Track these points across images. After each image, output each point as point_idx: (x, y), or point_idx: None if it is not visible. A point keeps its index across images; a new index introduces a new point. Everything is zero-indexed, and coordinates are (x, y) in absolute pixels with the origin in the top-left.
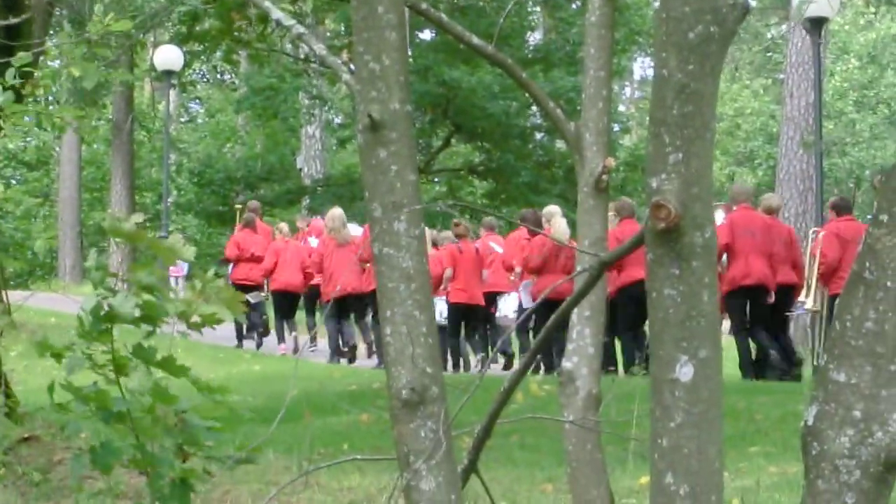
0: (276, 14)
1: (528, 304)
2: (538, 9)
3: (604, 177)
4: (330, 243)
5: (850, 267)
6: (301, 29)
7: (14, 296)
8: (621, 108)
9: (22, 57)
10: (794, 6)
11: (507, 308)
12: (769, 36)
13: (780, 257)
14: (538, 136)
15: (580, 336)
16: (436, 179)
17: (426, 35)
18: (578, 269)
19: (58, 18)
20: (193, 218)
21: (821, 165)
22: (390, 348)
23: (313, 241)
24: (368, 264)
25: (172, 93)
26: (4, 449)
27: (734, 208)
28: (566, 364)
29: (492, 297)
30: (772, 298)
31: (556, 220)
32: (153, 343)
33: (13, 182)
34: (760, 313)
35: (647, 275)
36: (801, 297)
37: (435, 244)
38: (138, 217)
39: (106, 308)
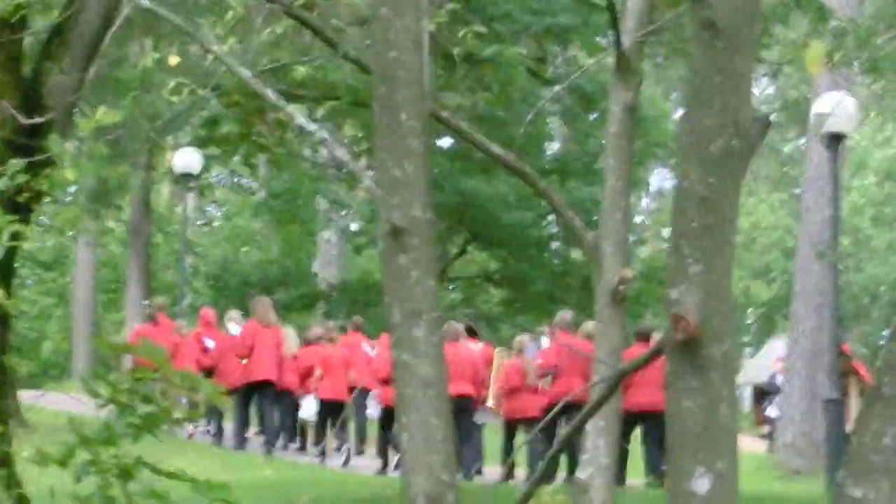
0: (300, 119)
1: (374, 412)
2: (556, 119)
3: (621, 287)
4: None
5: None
6: (324, 134)
7: (27, 395)
8: (638, 218)
9: (13, 164)
10: (812, 121)
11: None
12: (786, 150)
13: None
14: (554, 245)
15: (594, 446)
16: (451, 287)
17: (443, 142)
18: (595, 379)
19: (79, 118)
20: None
21: (836, 281)
22: (406, 456)
23: (209, 342)
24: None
25: (190, 196)
26: None
27: (557, 333)
28: (580, 474)
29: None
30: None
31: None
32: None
33: (28, 282)
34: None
35: (665, 386)
36: None
37: (309, 342)
38: (125, 333)
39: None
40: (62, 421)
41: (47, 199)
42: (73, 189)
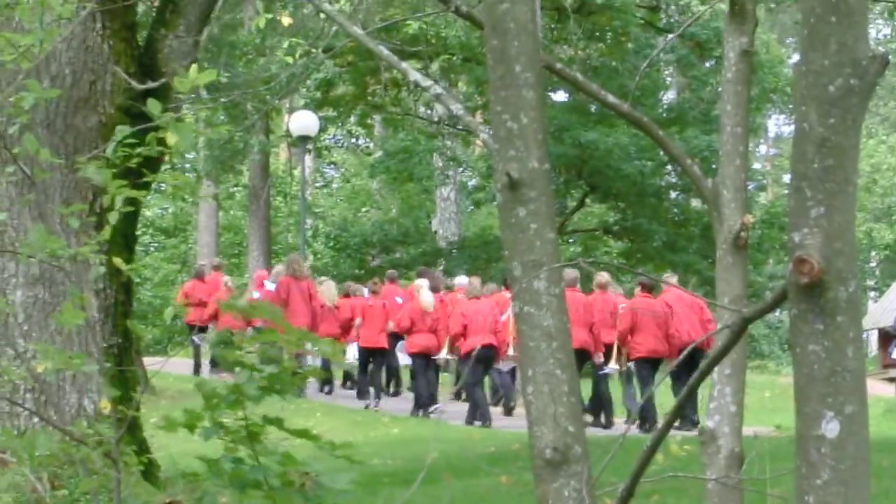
0: (414, 75)
1: (404, 360)
2: (671, 68)
3: (742, 233)
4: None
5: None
6: (438, 89)
7: (152, 362)
8: (756, 165)
9: (122, 129)
10: None
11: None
12: None
13: (606, 324)
14: (673, 194)
15: (721, 394)
16: (570, 240)
17: (559, 97)
18: (719, 326)
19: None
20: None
21: None
22: (532, 407)
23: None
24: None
25: (308, 158)
26: None
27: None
28: (708, 423)
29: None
30: (599, 358)
31: (423, 291)
32: (291, 407)
33: (151, 249)
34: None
35: (790, 330)
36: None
37: (348, 294)
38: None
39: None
40: (188, 386)
41: (165, 167)
42: (191, 157)
